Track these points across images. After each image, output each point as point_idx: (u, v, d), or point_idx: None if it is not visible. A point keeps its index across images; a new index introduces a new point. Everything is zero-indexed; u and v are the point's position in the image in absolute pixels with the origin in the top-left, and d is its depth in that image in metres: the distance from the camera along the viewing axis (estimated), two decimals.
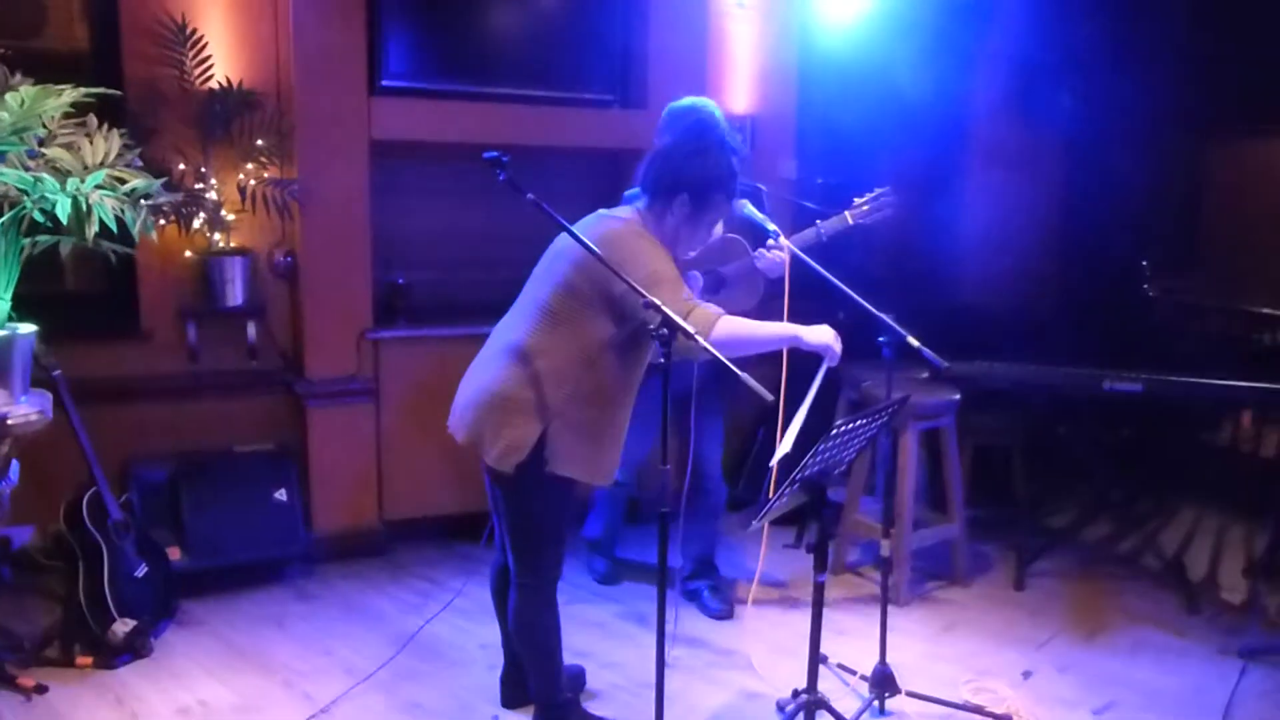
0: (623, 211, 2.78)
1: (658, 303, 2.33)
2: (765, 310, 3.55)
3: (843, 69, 5.04)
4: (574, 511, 2.85)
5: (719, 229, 3.40)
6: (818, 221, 3.59)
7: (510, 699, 3.13)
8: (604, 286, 2.59)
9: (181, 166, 4.00)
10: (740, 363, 2.40)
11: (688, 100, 3.65)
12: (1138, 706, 3.22)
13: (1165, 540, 4.45)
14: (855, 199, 3.61)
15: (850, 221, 3.58)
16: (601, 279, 2.57)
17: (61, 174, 1.88)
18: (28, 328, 2.01)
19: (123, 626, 3.31)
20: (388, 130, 4.18)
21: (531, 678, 2.89)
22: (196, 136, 4.02)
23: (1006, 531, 4.52)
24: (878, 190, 3.59)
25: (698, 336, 2.39)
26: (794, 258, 3.23)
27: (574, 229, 2.55)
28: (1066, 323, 5.37)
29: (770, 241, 3.54)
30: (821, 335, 2.71)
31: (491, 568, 3.08)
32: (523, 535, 2.76)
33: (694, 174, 2.69)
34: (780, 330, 2.71)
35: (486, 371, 2.72)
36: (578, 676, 3.22)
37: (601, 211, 2.83)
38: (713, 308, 2.59)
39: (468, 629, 3.68)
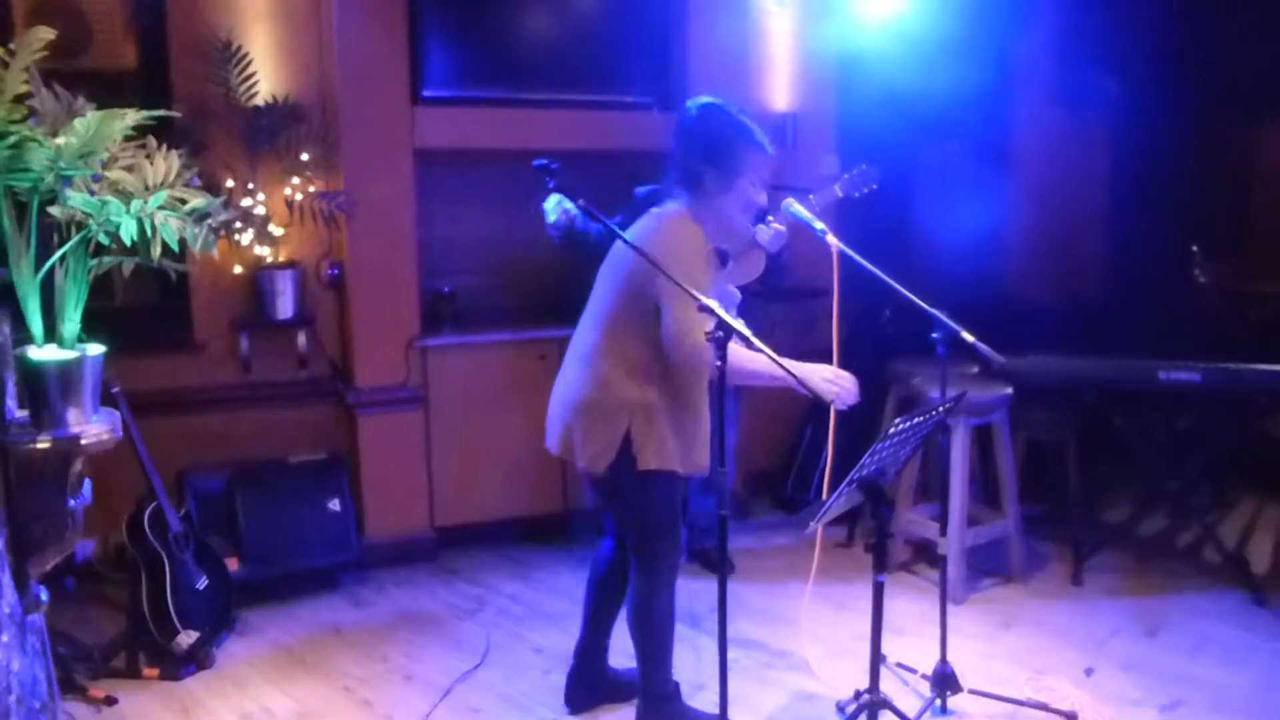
0: (671, 206, 2.79)
1: (713, 305, 2.32)
2: (816, 310, 3.55)
3: (882, 64, 4.99)
4: (683, 501, 2.88)
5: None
6: (810, 196, 3.63)
7: (576, 702, 3.13)
8: (653, 289, 2.62)
9: (230, 182, 4.05)
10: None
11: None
12: (1206, 705, 3.16)
13: (1225, 533, 4.36)
14: (843, 174, 3.77)
15: (839, 194, 3.74)
16: (648, 282, 2.60)
17: (124, 196, 1.91)
18: (97, 348, 2.04)
19: (187, 638, 3.36)
20: (431, 139, 4.21)
21: (641, 665, 2.92)
22: (244, 151, 4.08)
23: (1062, 527, 4.45)
24: (861, 165, 3.76)
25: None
26: (842, 255, 3.21)
27: (625, 234, 2.55)
28: (1117, 313, 5.28)
29: (770, 219, 3.68)
30: (814, 376, 2.56)
31: (597, 555, 3.11)
32: (636, 530, 2.83)
33: (706, 145, 2.71)
34: (778, 371, 2.44)
35: (566, 382, 2.82)
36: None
37: (653, 210, 2.84)
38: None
39: (520, 633, 3.70)
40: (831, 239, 3.23)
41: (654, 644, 2.89)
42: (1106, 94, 5.58)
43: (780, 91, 4.98)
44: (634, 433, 2.66)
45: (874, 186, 3.76)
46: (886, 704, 2.79)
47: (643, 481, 2.71)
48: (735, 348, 2.49)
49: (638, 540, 2.85)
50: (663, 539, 2.82)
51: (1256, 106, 5.30)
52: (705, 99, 2.83)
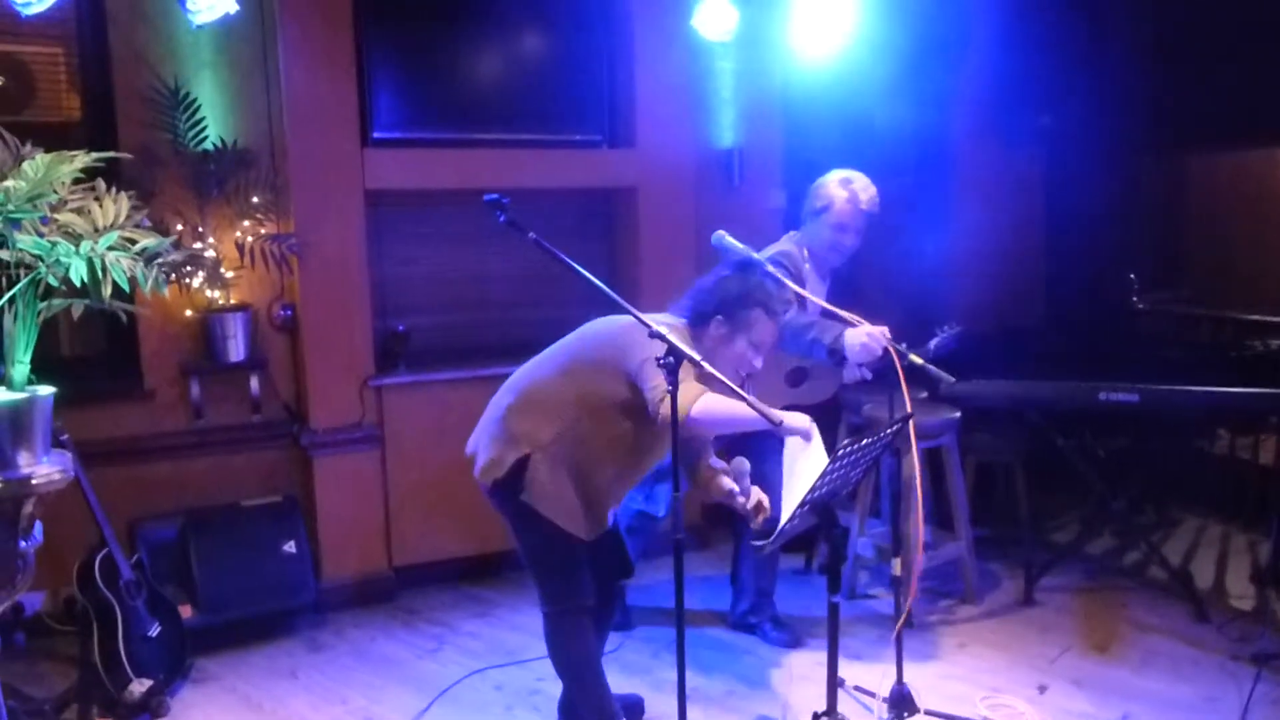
0: (671, 320, 2.83)
1: (664, 333, 2.37)
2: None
3: (825, 101, 5.13)
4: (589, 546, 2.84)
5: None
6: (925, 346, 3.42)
7: None
8: (623, 362, 2.68)
9: (179, 227, 4.05)
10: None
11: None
12: (1153, 717, 3.23)
13: (1170, 550, 4.47)
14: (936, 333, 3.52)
15: (932, 351, 3.41)
16: (623, 348, 2.68)
17: (74, 238, 1.92)
18: (47, 389, 2.04)
19: (139, 687, 3.31)
20: (381, 180, 4.25)
21: (579, 708, 2.91)
22: (193, 197, 4.08)
23: (1012, 548, 4.54)
24: (957, 326, 3.55)
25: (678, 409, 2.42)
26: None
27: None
28: (1061, 339, 5.43)
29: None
30: (797, 421, 2.66)
31: None
32: (531, 562, 2.85)
33: (724, 293, 2.79)
34: (759, 412, 2.50)
35: (502, 398, 2.87)
36: (635, 706, 3.23)
37: (658, 315, 2.87)
38: (698, 387, 2.58)
39: (482, 670, 3.67)
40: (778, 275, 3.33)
41: (577, 684, 2.88)
42: (1041, 130, 5.77)
43: (726, 128, 5.08)
44: (531, 463, 2.68)
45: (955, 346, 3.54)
46: None
47: (527, 513, 2.71)
48: (712, 394, 2.55)
49: (534, 575, 2.84)
50: (557, 579, 2.79)
51: (1186, 139, 5.50)
52: (750, 255, 2.99)
